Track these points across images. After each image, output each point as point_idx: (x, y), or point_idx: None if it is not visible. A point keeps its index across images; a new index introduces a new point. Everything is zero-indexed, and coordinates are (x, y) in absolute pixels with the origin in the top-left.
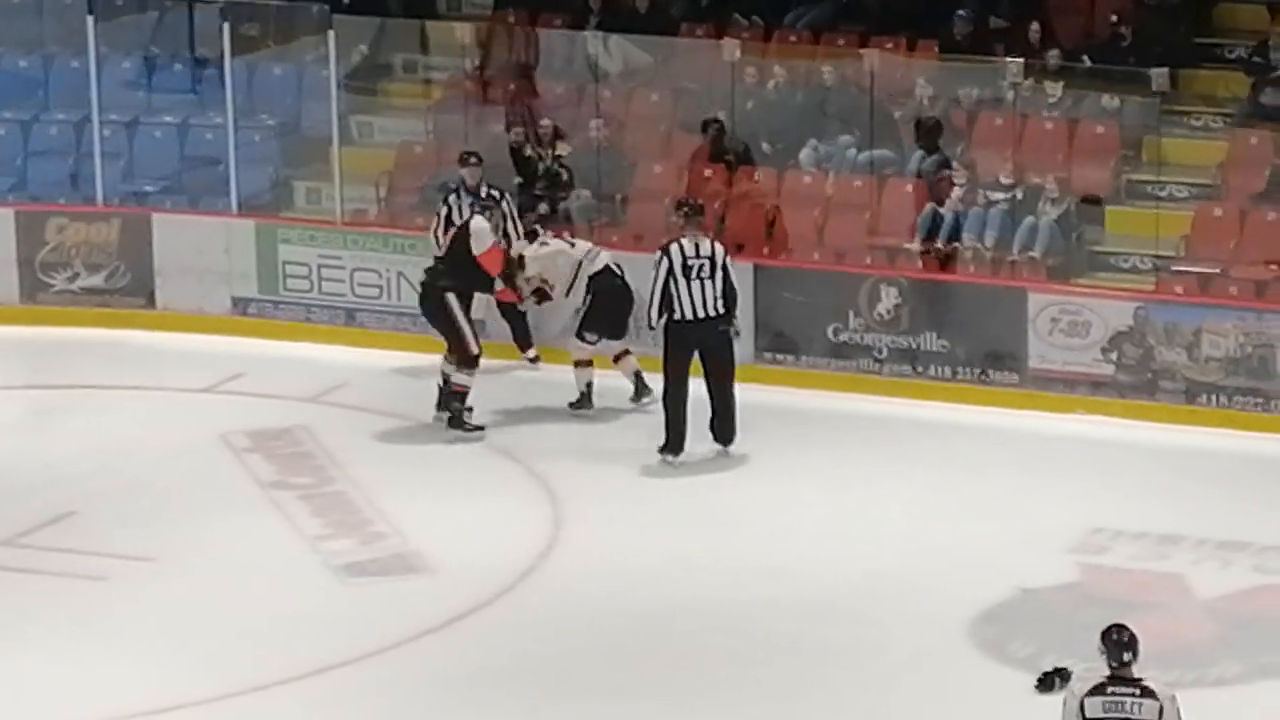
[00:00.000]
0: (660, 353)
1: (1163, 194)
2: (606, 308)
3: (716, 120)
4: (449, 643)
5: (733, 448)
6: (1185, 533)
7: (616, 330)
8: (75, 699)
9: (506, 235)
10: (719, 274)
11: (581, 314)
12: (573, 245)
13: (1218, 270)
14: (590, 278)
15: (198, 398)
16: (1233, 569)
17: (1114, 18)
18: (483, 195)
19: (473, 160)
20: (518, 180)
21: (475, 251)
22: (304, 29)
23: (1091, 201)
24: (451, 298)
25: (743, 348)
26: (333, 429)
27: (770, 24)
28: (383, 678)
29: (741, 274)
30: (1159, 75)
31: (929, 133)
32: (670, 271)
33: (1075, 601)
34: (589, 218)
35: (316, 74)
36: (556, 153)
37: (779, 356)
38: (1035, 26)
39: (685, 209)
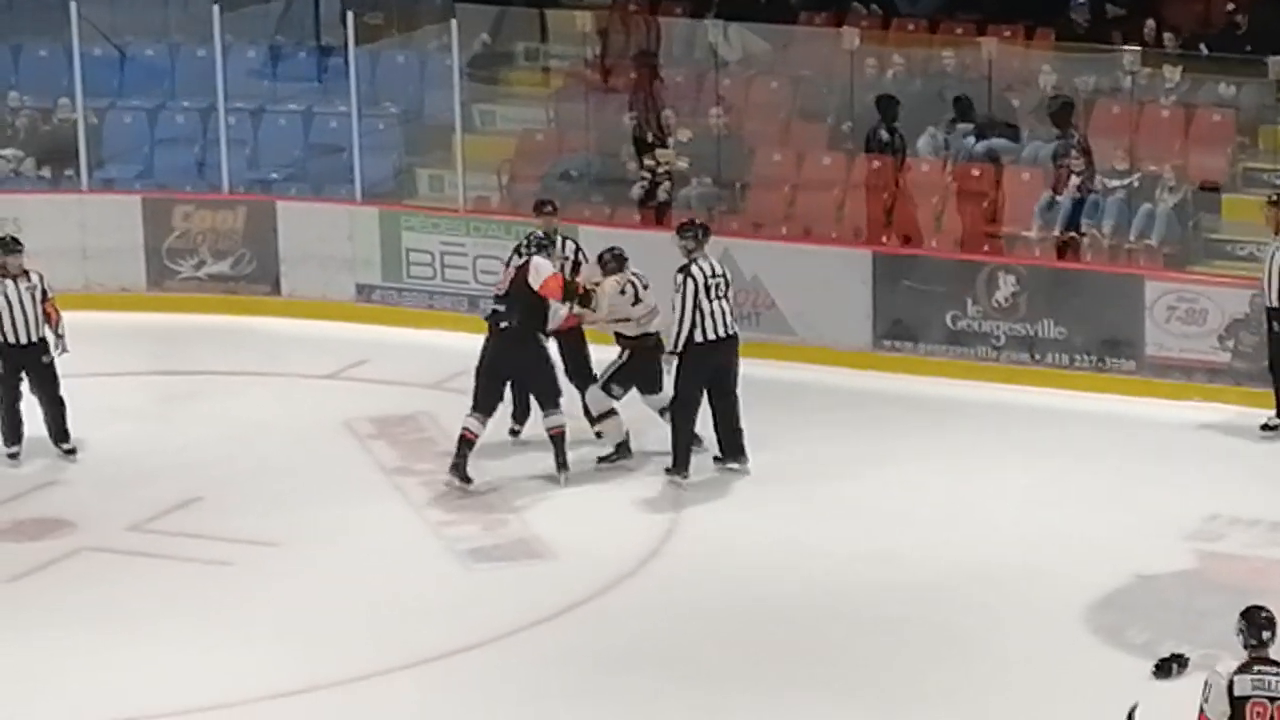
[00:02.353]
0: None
1: None
2: (644, 371)
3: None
4: (570, 628)
5: (751, 463)
6: None
7: (654, 386)
8: (200, 683)
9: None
10: (730, 292)
11: (613, 367)
12: (651, 308)
13: None
14: (637, 337)
15: (322, 384)
16: None
17: (1230, 5)
18: (544, 240)
19: (547, 209)
20: (642, 172)
21: (534, 284)
22: (427, 17)
23: (1208, 189)
24: (541, 338)
25: (861, 335)
26: (455, 415)
27: (889, 12)
28: (504, 662)
29: (859, 261)
30: (1276, 63)
31: (1060, 112)
32: (697, 292)
33: (1192, 588)
34: (708, 205)
35: (439, 62)
36: (676, 139)
37: (897, 344)
38: (1150, 23)
39: (696, 232)
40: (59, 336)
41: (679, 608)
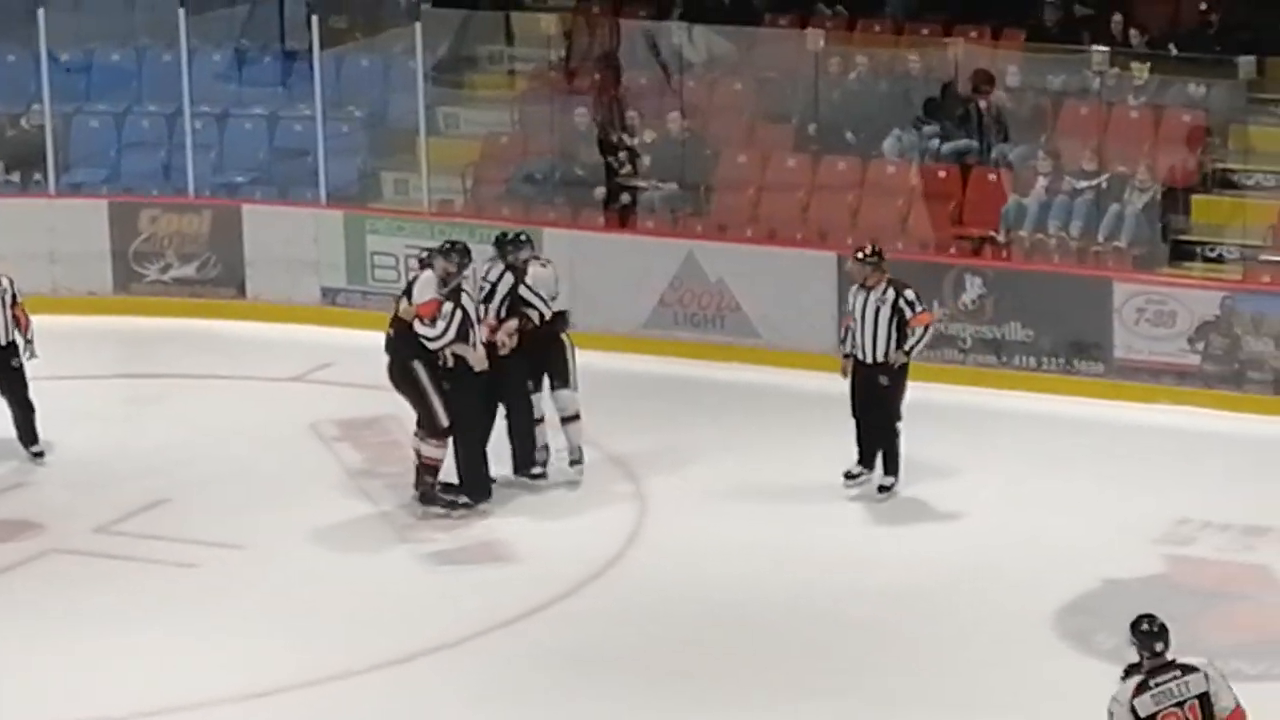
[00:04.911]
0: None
1: (1250, 182)
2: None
3: None
4: (534, 631)
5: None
6: (1272, 524)
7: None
8: (166, 684)
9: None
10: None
11: (572, 362)
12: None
13: None
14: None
15: (287, 387)
16: None
17: (1202, 5)
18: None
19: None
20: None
21: (414, 299)
22: (391, 21)
23: (1178, 190)
24: (419, 365)
25: (826, 337)
26: None
27: (854, 13)
28: (469, 665)
29: (825, 264)
30: (1246, 63)
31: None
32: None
33: (1162, 593)
34: (672, 208)
35: (404, 66)
36: (641, 140)
37: None
38: (1118, 17)
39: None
40: (28, 341)
41: (642, 611)
